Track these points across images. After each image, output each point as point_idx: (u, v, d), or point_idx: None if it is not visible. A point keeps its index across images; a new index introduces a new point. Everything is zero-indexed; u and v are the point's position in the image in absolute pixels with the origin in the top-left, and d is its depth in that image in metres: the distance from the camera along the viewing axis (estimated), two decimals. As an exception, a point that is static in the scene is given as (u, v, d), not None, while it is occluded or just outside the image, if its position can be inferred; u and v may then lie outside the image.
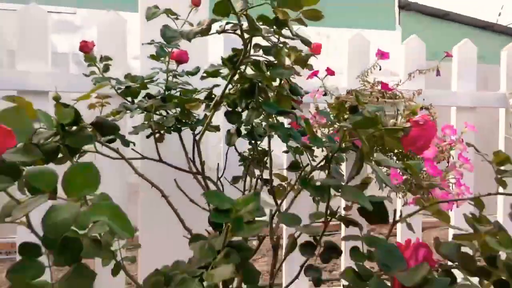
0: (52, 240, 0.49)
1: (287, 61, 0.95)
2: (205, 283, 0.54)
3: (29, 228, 0.51)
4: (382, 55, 1.40)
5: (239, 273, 0.63)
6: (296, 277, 0.76)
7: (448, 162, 1.35)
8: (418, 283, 0.53)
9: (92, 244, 0.54)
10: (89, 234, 0.53)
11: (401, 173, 1.37)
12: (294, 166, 0.91)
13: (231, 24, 0.70)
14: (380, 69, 1.43)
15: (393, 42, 4.64)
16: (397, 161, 1.40)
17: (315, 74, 1.35)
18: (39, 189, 0.47)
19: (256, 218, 0.61)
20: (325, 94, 1.40)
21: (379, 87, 1.45)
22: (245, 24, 0.77)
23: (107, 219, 0.46)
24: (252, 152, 1.02)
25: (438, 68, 1.51)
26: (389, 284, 0.57)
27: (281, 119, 0.99)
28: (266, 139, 0.95)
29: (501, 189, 0.70)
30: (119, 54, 1.35)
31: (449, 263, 0.64)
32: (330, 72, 1.36)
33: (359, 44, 1.64)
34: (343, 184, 0.66)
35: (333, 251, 0.70)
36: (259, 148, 1.01)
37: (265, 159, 1.02)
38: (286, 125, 0.92)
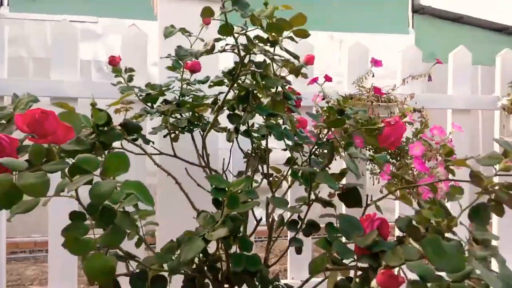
0: (94, 208, 0.68)
1: (284, 71, 1.13)
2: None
3: (77, 200, 0.70)
4: (376, 62, 1.56)
5: (236, 242, 0.81)
6: (286, 250, 0.93)
7: (436, 160, 1.50)
8: (369, 244, 0.70)
9: (122, 214, 0.73)
10: (120, 207, 0.73)
11: (394, 169, 1.54)
12: (289, 161, 1.09)
13: (230, 45, 0.88)
14: (373, 76, 1.59)
15: (406, 46, 4.76)
16: (390, 159, 1.56)
17: (314, 80, 1.53)
18: (86, 170, 0.66)
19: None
20: (323, 98, 1.57)
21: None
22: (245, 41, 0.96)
23: (135, 192, 0.65)
24: (255, 150, 1.20)
25: (430, 74, 1.67)
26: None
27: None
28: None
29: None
30: (141, 65, 1.56)
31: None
32: (328, 78, 1.52)
33: (358, 52, 1.80)
34: (318, 171, 0.84)
35: (312, 227, 0.88)
36: (261, 147, 1.20)
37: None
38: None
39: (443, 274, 0.61)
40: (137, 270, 0.78)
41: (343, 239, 0.79)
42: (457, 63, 1.88)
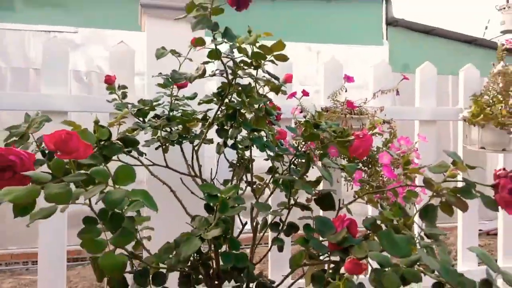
0: (104, 214, 0.81)
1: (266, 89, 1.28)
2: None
3: (89, 206, 0.82)
4: (348, 78, 1.72)
5: (226, 242, 0.94)
6: (270, 248, 1.07)
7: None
8: (339, 240, 0.84)
9: (128, 219, 0.85)
10: (126, 212, 0.85)
11: (365, 176, 1.69)
12: (271, 170, 1.23)
13: (219, 70, 1.02)
14: (346, 91, 1.75)
15: (381, 57, 5.01)
16: (362, 167, 1.71)
17: (293, 95, 1.67)
18: (99, 181, 0.78)
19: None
20: (301, 111, 1.72)
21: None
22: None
23: (142, 198, 0.78)
24: (240, 160, 1.33)
25: (397, 89, 1.84)
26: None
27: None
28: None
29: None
30: (129, 79, 1.67)
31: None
32: (305, 93, 1.67)
33: (333, 67, 1.96)
34: (296, 179, 0.98)
35: (292, 228, 1.02)
36: (245, 157, 1.33)
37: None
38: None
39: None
40: (139, 268, 0.90)
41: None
42: (423, 78, 2.06)
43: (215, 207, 0.91)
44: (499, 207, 0.88)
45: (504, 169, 0.90)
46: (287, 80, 1.35)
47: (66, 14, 4.41)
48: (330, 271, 0.84)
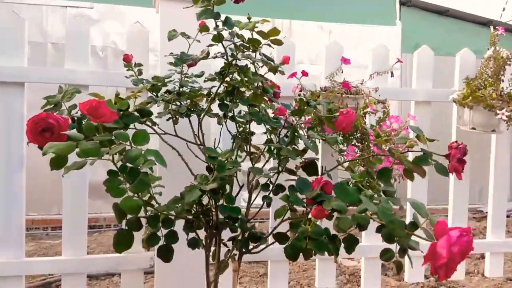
0: (124, 168, 1.03)
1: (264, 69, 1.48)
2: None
3: (112, 162, 1.04)
4: (345, 61, 1.91)
5: (222, 197, 1.17)
6: (261, 207, 1.29)
7: (393, 144, 1.86)
8: (314, 196, 1.06)
9: (142, 173, 1.07)
10: (142, 169, 1.07)
11: (356, 151, 1.90)
12: (267, 142, 1.44)
13: (220, 53, 1.23)
14: (342, 72, 1.94)
15: (393, 37, 5.12)
16: (356, 143, 1.92)
17: (293, 75, 1.87)
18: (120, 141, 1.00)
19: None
20: (301, 90, 1.92)
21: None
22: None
23: (154, 157, 1.00)
24: (240, 133, 1.55)
25: (392, 71, 2.02)
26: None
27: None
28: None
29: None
30: (143, 57, 1.88)
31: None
32: (304, 73, 1.87)
33: (334, 50, 2.14)
34: (283, 147, 1.19)
35: (280, 188, 1.24)
36: (246, 130, 1.54)
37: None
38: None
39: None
40: (152, 214, 1.13)
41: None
42: (420, 61, 2.23)
43: (213, 167, 1.13)
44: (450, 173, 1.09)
45: (456, 141, 1.10)
46: (284, 61, 1.55)
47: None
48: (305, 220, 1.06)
